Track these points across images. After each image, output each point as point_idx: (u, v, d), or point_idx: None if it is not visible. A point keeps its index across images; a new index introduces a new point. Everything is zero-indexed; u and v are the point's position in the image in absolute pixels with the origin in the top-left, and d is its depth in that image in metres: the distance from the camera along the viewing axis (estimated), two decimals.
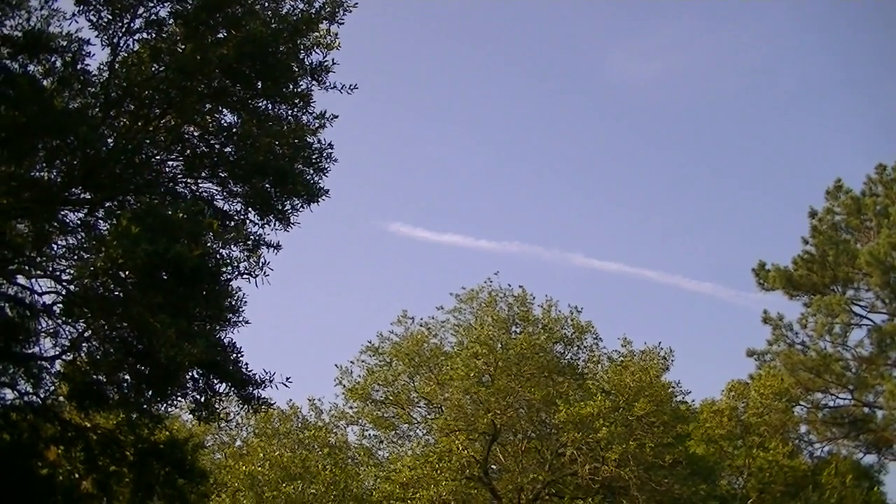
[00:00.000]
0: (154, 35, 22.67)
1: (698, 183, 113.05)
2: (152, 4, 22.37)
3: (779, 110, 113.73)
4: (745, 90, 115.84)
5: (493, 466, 43.57)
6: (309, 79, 23.98)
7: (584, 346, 44.37)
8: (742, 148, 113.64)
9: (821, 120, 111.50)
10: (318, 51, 23.97)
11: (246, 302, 22.24)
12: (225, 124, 24.13)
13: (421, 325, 45.02)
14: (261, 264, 21.24)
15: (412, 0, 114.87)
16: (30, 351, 24.04)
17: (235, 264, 21.34)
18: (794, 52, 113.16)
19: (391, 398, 44.64)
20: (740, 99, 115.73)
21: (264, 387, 22.87)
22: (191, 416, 25.18)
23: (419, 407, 45.42)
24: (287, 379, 22.70)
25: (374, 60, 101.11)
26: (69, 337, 23.56)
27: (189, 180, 24.10)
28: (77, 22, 21.73)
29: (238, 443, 48.24)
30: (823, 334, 48.67)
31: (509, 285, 44.65)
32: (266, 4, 23.56)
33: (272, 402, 23.87)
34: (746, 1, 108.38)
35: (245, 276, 21.34)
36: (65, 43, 21.52)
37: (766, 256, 52.61)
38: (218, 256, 21.33)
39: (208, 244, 20.75)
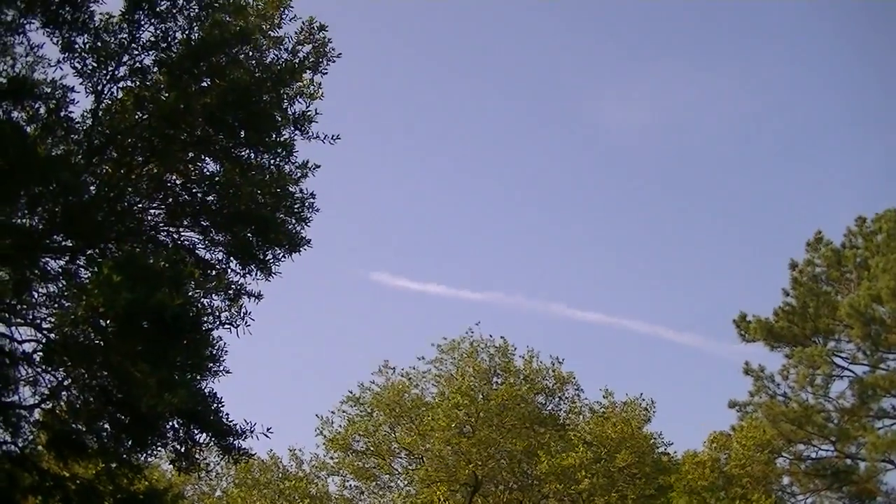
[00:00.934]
0: (138, 83, 22.71)
1: (681, 232, 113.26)
2: (137, 52, 22.42)
3: (762, 159, 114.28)
4: (729, 138, 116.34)
5: None
6: (292, 128, 24.06)
7: (566, 397, 44.40)
8: (725, 197, 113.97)
9: (805, 168, 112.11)
10: (301, 100, 24.12)
11: (227, 351, 22.15)
12: (207, 173, 24.10)
13: (402, 376, 44.97)
14: (242, 314, 21.27)
15: (397, 49, 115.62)
16: (8, 399, 23.76)
17: (217, 314, 21.34)
18: (779, 98, 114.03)
19: (372, 448, 44.44)
20: (724, 147, 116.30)
21: (245, 437, 22.72)
22: (170, 465, 24.92)
23: (400, 457, 45.19)
24: (268, 429, 22.59)
25: (356, 109, 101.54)
26: (49, 385, 23.37)
27: (171, 229, 24.05)
28: (62, 69, 21.79)
29: (218, 493, 47.92)
30: (805, 385, 48.74)
31: (490, 336, 44.68)
32: (250, 54, 23.64)
33: (252, 452, 23.73)
34: (735, 49, 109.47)
35: (226, 325, 21.34)
36: (49, 90, 21.52)
37: (748, 307, 52.85)
38: (199, 305, 21.26)
39: (190, 293, 20.66)
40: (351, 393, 44.97)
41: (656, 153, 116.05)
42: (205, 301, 21.50)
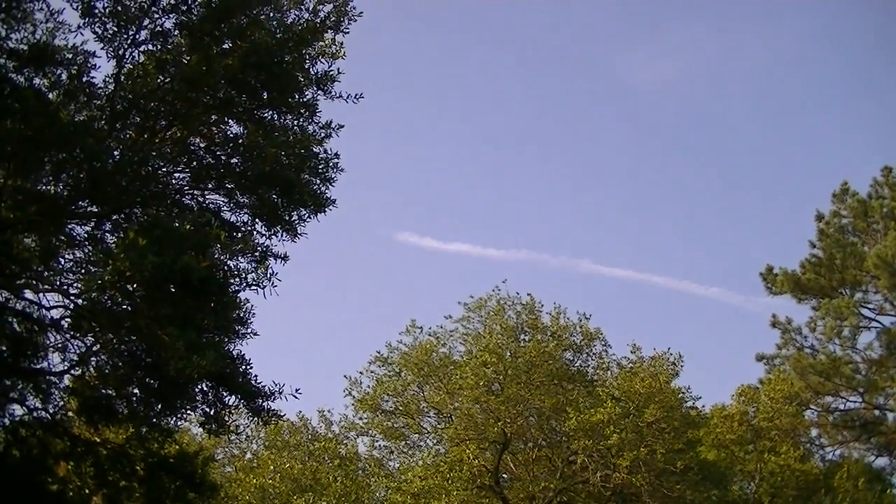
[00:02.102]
0: (159, 46, 22.60)
1: (706, 187, 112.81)
2: (157, 16, 22.28)
3: (787, 113, 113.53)
4: (754, 93, 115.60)
5: (503, 475, 43.42)
6: (314, 88, 23.92)
7: (594, 353, 44.22)
8: (750, 151, 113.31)
9: (829, 122, 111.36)
10: (323, 60, 23.94)
11: (254, 313, 22.17)
12: (231, 135, 24.06)
13: (429, 335, 44.84)
14: (268, 275, 21.16)
15: (418, 5, 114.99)
16: (38, 366, 23.96)
17: (243, 276, 21.26)
18: (803, 54, 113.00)
19: (401, 408, 44.46)
20: (749, 102, 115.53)
21: (274, 399, 22.73)
22: (200, 429, 25.05)
23: (429, 417, 45.22)
24: (296, 391, 22.55)
25: (379, 68, 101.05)
26: (77, 351, 23.52)
27: (196, 192, 24.05)
28: (82, 34, 21.68)
29: (248, 455, 48.19)
30: (832, 337, 48.65)
31: (517, 293, 44.51)
32: (271, 14, 23.48)
33: (282, 414, 23.74)
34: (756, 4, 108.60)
35: (253, 287, 21.26)
36: (70, 55, 21.45)
37: (774, 260, 52.69)
38: (225, 268, 21.22)
39: (216, 256, 20.66)
40: (379, 353, 44.97)
41: (682, 109, 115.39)
42: (231, 263, 21.44)
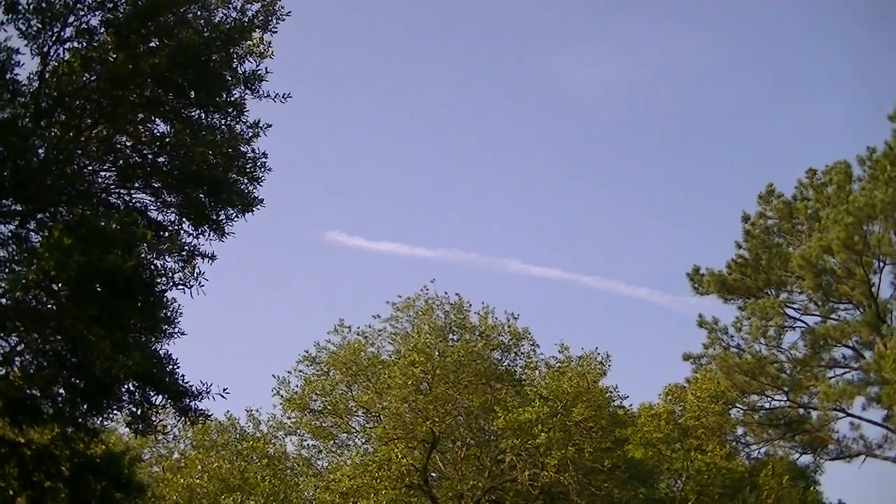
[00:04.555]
0: (85, 44, 22.43)
1: (635, 188, 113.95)
2: (83, 13, 22.13)
3: (716, 115, 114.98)
4: (686, 96, 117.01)
5: (432, 474, 43.47)
6: (242, 88, 23.88)
7: (522, 353, 44.46)
8: (679, 153, 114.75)
9: (757, 124, 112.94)
10: (251, 59, 23.93)
11: (181, 313, 22.16)
12: (158, 134, 23.96)
13: (358, 334, 44.85)
14: (196, 275, 21.13)
15: (349, 4, 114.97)
16: None
17: (170, 275, 21.24)
18: (738, 58, 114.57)
19: (329, 408, 44.39)
20: (680, 104, 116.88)
21: (201, 398, 22.68)
22: (127, 429, 24.89)
23: (357, 416, 45.21)
24: (224, 390, 22.53)
25: (308, 67, 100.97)
26: (1, 351, 23.21)
27: (122, 191, 23.87)
28: (6, 31, 21.47)
29: (176, 455, 47.94)
30: (758, 337, 49.31)
31: (445, 293, 44.60)
32: (198, 13, 23.42)
33: (209, 413, 23.66)
34: (693, 8, 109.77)
35: (180, 286, 21.25)
36: None
37: (701, 261, 53.25)
38: (152, 267, 21.16)
39: (142, 255, 20.58)
40: (307, 352, 44.88)
41: (614, 109, 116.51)
42: (158, 263, 21.39)
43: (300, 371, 44.74)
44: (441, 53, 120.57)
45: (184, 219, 23.91)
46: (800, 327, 50.01)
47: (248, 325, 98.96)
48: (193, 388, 22.57)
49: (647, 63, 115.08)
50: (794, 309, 50.55)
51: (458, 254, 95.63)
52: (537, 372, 44.51)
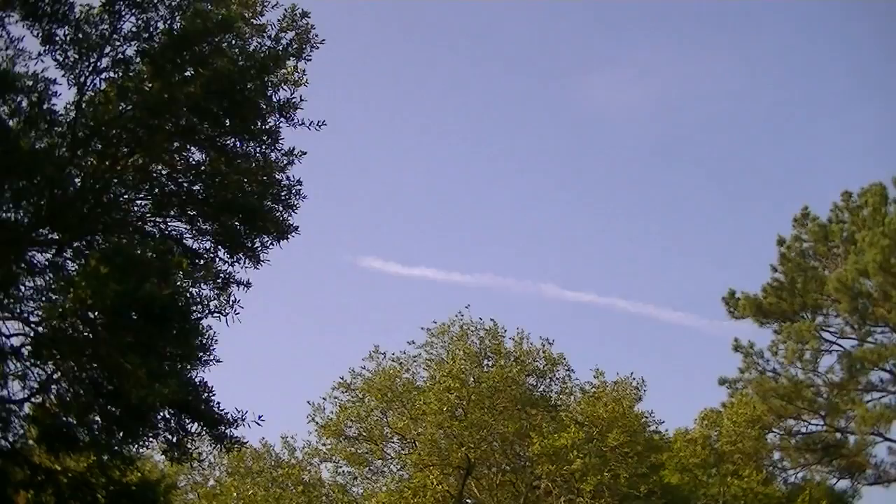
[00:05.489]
0: (121, 74, 22.64)
1: (671, 211, 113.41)
2: (119, 43, 22.36)
3: (750, 140, 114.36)
4: (718, 118, 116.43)
5: (468, 501, 43.35)
6: (277, 116, 24.01)
7: (557, 378, 44.27)
8: (714, 176, 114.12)
9: (792, 148, 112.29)
10: (285, 87, 24.07)
11: (216, 340, 22.19)
12: (193, 162, 24.10)
13: (393, 360, 44.73)
14: (231, 302, 21.23)
15: (382, 31, 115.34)
16: None
17: (205, 303, 21.35)
18: (768, 79, 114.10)
19: (364, 434, 44.33)
20: (712, 127, 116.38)
21: (236, 426, 22.76)
22: (163, 456, 24.96)
23: (392, 442, 45.13)
24: (259, 417, 22.66)
25: (342, 95, 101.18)
26: (38, 379, 23.32)
27: (158, 219, 24.01)
28: (43, 61, 21.74)
29: (211, 482, 47.87)
30: (794, 361, 48.86)
31: (480, 318, 44.50)
32: (233, 42, 23.57)
33: (245, 440, 23.73)
34: (721, 29, 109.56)
35: (215, 314, 21.32)
36: (31, 83, 21.46)
37: (737, 284, 52.92)
38: (188, 295, 21.26)
39: (178, 283, 20.68)
40: (342, 379, 44.82)
41: (645, 133, 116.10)
42: (193, 290, 21.53)
43: (335, 397, 44.70)
44: (474, 78, 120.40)
45: (219, 246, 24.03)
46: (836, 351, 49.56)
47: (283, 351, 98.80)
48: (229, 416, 22.65)
49: (677, 85, 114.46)
50: (830, 332, 50.10)
51: (494, 279, 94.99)
52: (572, 397, 44.31)
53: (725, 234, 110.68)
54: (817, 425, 49.81)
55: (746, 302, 50.69)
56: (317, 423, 44.26)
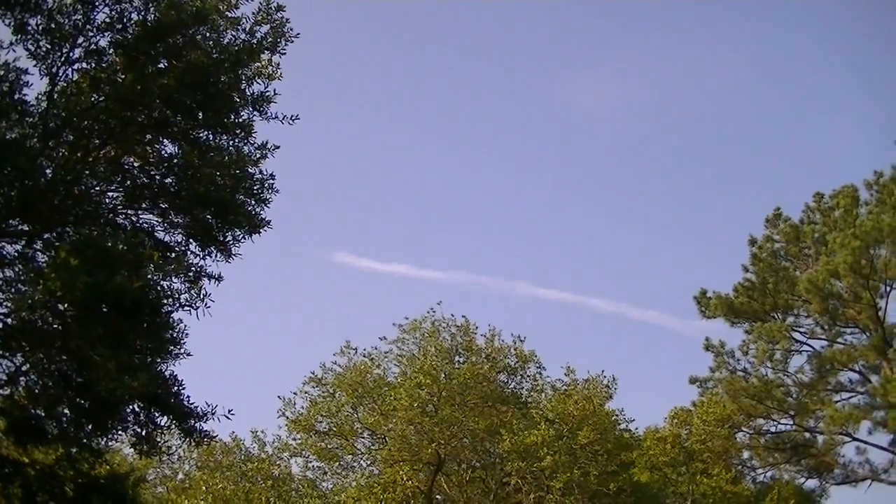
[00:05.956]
0: (94, 65, 22.48)
1: (644, 210, 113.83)
2: (92, 34, 22.19)
3: (724, 140, 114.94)
4: (692, 119, 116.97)
5: (437, 496, 43.40)
6: (250, 109, 23.91)
7: (528, 376, 44.47)
8: (686, 176, 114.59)
9: (764, 149, 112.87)
10: (259, 81, 23.96)
11: (187, 334, 22.03)
12: (166, 155, 23.96)
13: (364, 356, 44.87)
14: (202, 296, 21.12)
15: (357, 27, 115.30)
16: None
17: (176, 296, 21.20)
18: (744, 81, 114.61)
19: (335, 429, 44.35)
20: (687, 128, 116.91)
21: (206, 419, 22.62)
22: (132, 449, 24.79)
23: (363, 438, 45.18)
24: (229, 411, 22.51)
25: (318, 89, 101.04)
26: (6, 371, 23.13)
27: (129, 212, 23.85)
28: (14, 51, 21.51)
29: (180, 476, 47.75)
30: (764, 361, 49.04)
31: (452, 315, 44.62)
32: (207, 34, 23.44)
33: (214, 434, 23.62)
34: (692, 35, 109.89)
35: (186, 307, 21.20)
36: (2, 72, 21.23)
37: (709, 283, 53.10)
38: (159, 288, 21.10)
39: (149, 276, 20.53)
40: (313, 374, 44.89)
41: (621, 132, 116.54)
42: (164, 284, 21.33)
43: (306, 392, 44.77)
44: (449, 75, 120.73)
45: (191, 240, 23.89)
46: (806, 351, 49.81)
47: (254, 346, 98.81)
48: (198, 410, 22.52)
49: (654, 85, 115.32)
50: (800, 333, 50.34)
51: (467, 276, 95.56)
52: (543, 395, 44.49)
53: (698, 234, 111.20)
54: (787, 425, 50.05)
55: (718, 301, 50.82)
56: (287, 417, 44.33)
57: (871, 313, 46.52)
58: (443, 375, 42.13)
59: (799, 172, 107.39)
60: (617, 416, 43.81)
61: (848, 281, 45.54)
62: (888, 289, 46.97)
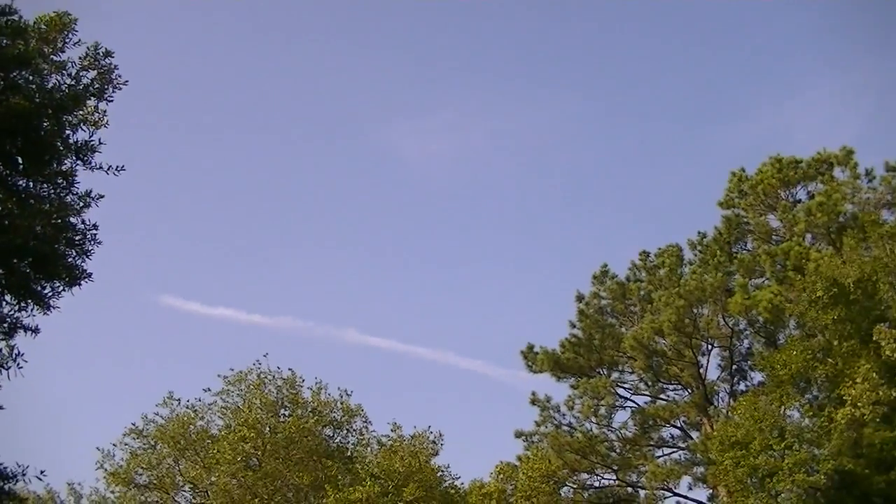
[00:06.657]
0: None
1: (472, 261, 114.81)
2: None
3: (553, 191, 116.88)
4: (519, 170, 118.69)
5: None
6: (74, 157, 23.07)
7: (354, 430, 44.31)
8: (516, 230, 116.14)
9: (590, 202, 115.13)
10: (84, 128, 23.14)
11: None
12: None
13: (187, 407, 44.04)
14: (13, 355, 20.28)
15: (185, 74, 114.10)
16: None
17: None
18: (568, 135, 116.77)
19: (155, 482, 43.43)
20: (514, 178, 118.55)
21: (16, 481, 21.64)
22: None
23: (184, 491, 44.31)
24: (42, 472, 21.55)
25: (147, 132, 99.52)
26: None
27: None
28: None
29: None
30: (589, 416, 49.74)
31: (279, 367, 44.19)
32: (30, 78, 22.60)
33: (25, 496, 22.66)
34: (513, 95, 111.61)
35: None
36: None
37: (538, 334, 53.55)
38: None
39: None
40: (134, 425, 43.83)
41: (447, 182, 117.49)
42: None
43: (126, 444, 43.75)
44: (275, 120, 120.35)
45: (6, 291, 22.92)
46: (630, 407, 50.71)
47: (76, 396, 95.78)
48: (8, 470, 21.54)
49: (481, 135, 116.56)
50: (625, 388, 51.27)
51: (295, 321, 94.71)
52: (369, 449, 44.26)
53: (526, 287, 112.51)
54: (610, 480, 50.73)
55: (545, 357, 51.25)
56: (106, 470, 43.15)
57: (693, 371, 47.62)
58: (267, 429, 41.63)
59: (625, 230, 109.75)
60: (443, 471, 43.72)
61: (672, 339, 46.55)
62: (709, 347, 48.25)
